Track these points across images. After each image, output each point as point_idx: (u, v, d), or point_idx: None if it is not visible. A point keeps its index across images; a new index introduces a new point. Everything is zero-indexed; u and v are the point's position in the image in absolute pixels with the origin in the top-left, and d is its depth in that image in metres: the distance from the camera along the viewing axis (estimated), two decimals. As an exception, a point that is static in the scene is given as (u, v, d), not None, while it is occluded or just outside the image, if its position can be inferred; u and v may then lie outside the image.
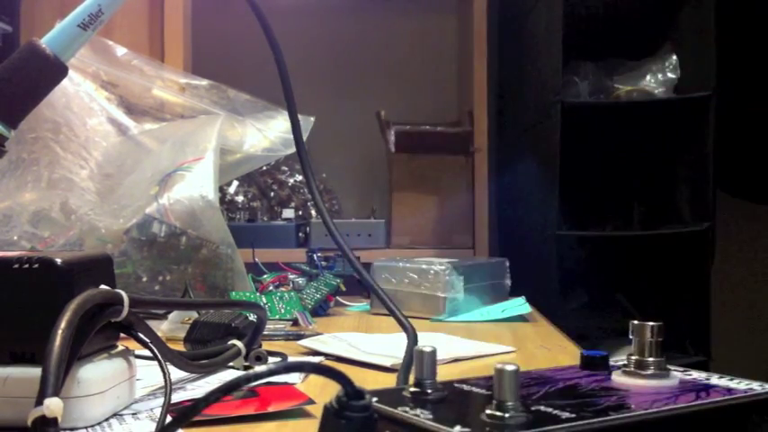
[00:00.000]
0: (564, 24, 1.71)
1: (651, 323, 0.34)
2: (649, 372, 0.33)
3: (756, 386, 0.33)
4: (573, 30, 1.73)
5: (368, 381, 0.59)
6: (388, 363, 0.63)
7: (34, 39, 0.54)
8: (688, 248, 1.81)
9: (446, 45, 2.24)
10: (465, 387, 0.32)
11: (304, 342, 0.72)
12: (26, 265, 0.42)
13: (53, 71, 0.54)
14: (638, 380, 0.33)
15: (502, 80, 2.16)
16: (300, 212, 2.05)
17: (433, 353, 0.30)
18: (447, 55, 2.23)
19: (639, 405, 0.29)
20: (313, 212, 2.01)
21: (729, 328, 1.95)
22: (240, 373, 0.58)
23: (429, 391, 0.30)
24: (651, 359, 0.33)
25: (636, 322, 0.34)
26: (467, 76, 2.07)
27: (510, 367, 0.26)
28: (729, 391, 0.32)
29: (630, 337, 0.34)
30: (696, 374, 0.35)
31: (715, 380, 0.34)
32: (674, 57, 1.84)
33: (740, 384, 0.33)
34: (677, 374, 0.34)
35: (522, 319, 0.95)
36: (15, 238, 0.88)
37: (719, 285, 1.91)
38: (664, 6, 1.86)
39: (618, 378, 0.33)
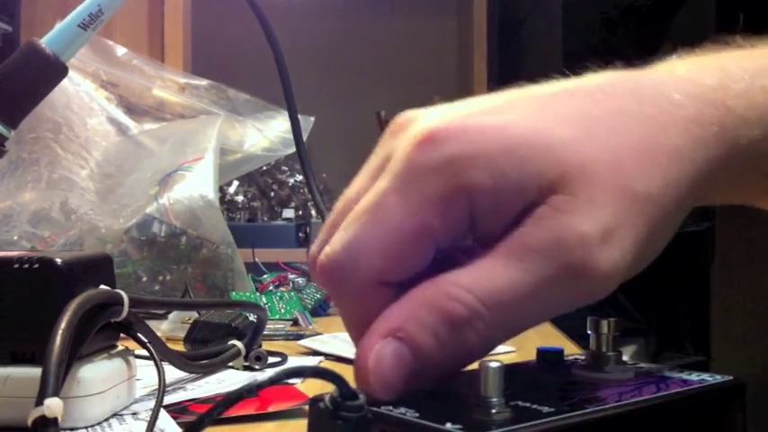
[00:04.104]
0: (563, 25, 1.71)
1: (608, 318, 0.35)
2: (608, 365, 0.34)
3: (707, 377, 0.33)
4: (573, 30, 1.73)
5: (368, 381, 0.59)
6: (387, 363, 0.63)
7: (34, 39, 0.54)
8: (688, 248, 1.82)
9: (446, 45, 2.24)
10: (434, 384, 0.32)
11: (304, 342, 0.71)
12: (26, 265, 0.42)
13: (53, 71, 0.54)
14: (598, 373, 0.33)
15: (502, 80, 2.16)
16: (300, 212, 2.05)
17: None
18: (447, 55, 2.24)
19: (611, 397, 0.29)
20: (313, 212, 2.01)
21: (729, 328, 1.95)
22: (240, 374, 0.59)
23: None
24: (609, 353, 0.34)
25: (592, 317, 0.34)
26: (467, 76, 2.07)
27: (494, 364, 0.27)
28: (685, 381, 0.32)
29: (588, 332, 0.34)
30: (647, 367, 0.36)
31: (667, 372, 0.34)
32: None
33: (692, 375, 0.34)
34: (632, 367, 0.34)
35: (521, 319, 0.95)
36: (15, 237, 0.88)
37: (719, 285, 1.91)
38: (664, 6, 1.86)
39: (578, 372, 0.34)
